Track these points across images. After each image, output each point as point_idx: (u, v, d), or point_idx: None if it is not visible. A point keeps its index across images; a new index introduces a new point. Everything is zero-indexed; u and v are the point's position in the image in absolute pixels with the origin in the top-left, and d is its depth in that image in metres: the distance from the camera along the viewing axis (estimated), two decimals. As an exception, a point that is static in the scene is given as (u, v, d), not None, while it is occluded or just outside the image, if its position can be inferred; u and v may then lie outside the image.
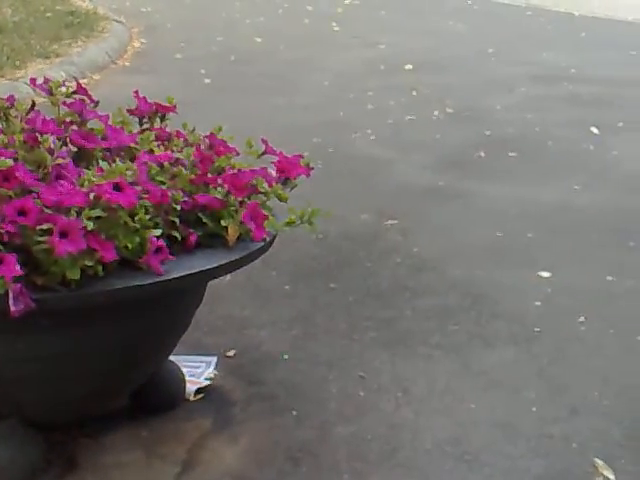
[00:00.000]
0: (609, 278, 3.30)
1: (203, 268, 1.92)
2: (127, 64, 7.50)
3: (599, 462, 2.21)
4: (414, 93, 6.47)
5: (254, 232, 2.03)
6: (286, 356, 2.77)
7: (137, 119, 2.35)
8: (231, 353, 2.76)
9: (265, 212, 2.11)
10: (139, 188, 1.81)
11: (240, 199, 2.08)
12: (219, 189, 2.06)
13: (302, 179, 2.42)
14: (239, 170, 2.18)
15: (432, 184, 4.44)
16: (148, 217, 1.83)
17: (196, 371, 2.60)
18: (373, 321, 2.99)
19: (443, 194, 4.30)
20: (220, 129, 2.41)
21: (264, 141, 2.39)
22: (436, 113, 5.88)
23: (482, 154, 4.92)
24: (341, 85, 6.78)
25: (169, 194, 1.90)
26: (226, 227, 2.03)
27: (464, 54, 8.03)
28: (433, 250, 3.59)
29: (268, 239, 2.11)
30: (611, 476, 2.16)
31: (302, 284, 3.29)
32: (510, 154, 4.91)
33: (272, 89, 6.64)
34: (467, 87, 6.71)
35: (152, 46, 8.25)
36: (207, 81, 6.88)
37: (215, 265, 1.94)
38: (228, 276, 3.30)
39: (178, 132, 2.31)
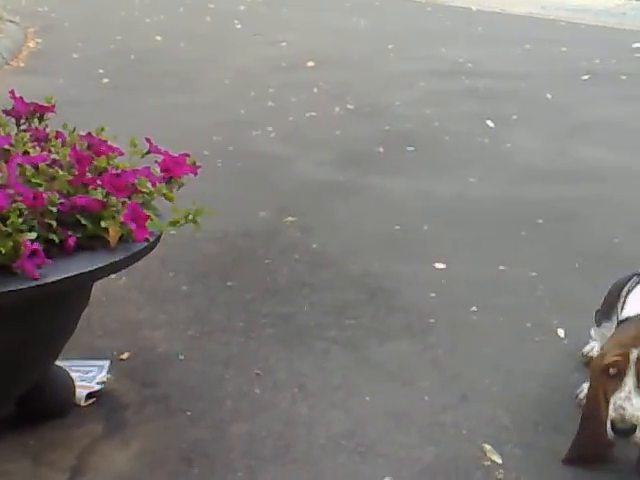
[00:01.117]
0: (501, 268, 3.35)
1: (82, 271, 1.88)
2: (22, 65, 7.34)
3: (487, 447, 2.25)
4: (315, 90, 6.50)
5: (135, 232, 2.00)
6: (182, 356, 2.74)
7: (14, 120, 2.29)
8: (125, 355, 2.73)
9: (148, 212, 2.08)
10: (11, 191, 1.77)
11: (122, 199, 2.05)
12: (99, 190, 2.03)
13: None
14: (122, 170, 2.15)
15: (332, 180, 4.46)
16: (22, 220, 1.79)
17: (87, 375, 2.55)
18: (270, 318, 2.99)
19: (343, 190, 4.32)
20: (103, 129, 2.37)
21: (148, 140, 2.36)
22: (337, 109, 5.91)
23: (381, 149, 4.96)
24: (242, 83, 6.77)
25: (44, 196, 1.86)
26: (107, 228, 2.00)
27: (365, 50, 8.09)
28: (332, 246, 3.61)
29: (152, 239, 2.09)
30: (499, 460, 2.20)
31: (200, 283, 3.27)
32: (408, 148, 4.96)
33: (172, 88, 6.59)
34: (368, 83, 6.76)
35: (48, 46, 8.10)
36: (105, 81, 6.79)
37: (95, 267, 1.91)
38: (123, 278, 3.28)
39: (58, 132, 2.27)
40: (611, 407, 2.08)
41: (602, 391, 2.14)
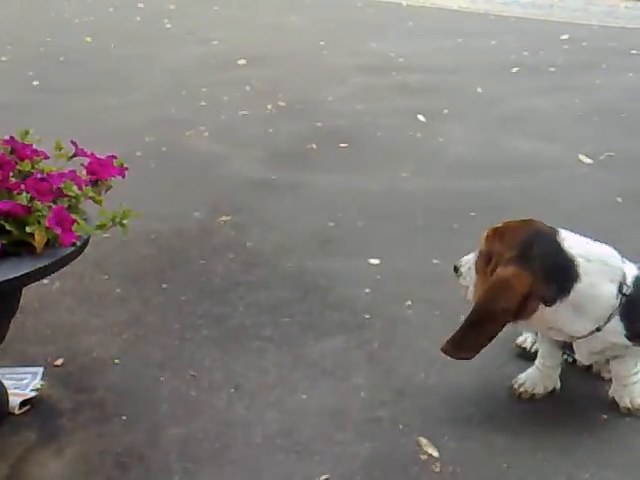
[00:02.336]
0: (435, 261, 3.38)
1: (8, 277, 1.85)
2: (-51, 70, 7.22)
3: (423, 441, 2.27)
4: (247, 88, 6.48)
5: (61, 237, 1.97)
6: (117, 361, 2.72)
7: None
8: (59, 361, 2.69)
9: (75, 216, 2.06)
10: None
11: (47, 204, 2.02)
12: (24, 194, 2.00)
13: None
14: (47, 174, 2.13)
15: (265, 178, 4.45)
16: (-57, 228, 1.76)
17: (21, 383, 2.52)
18: (206, 319, 2.98)
19: (276, 188, 4.31)
20: (28, 132, 2.34)
21: (74, 143, 2.34)
22: (269, 107, 5.91)
23: (314, 146, 4.97)
24: (174, 82, 6.73)
25: (-33, 203, 1.83)
26: (32, 234, 1.97)
27: (297, 47, 8.09)
28: (266, 244, 3.60)
29: (79, 243, 2.06)
30: (435, 453, 2.22)
31: (134, 286, 3.24)
32: (341, 145, 4.97)
33: (103, 89, 6.53)
34: (300, 80, 6.76)
35: (-24, 50, 7.97)
36: (35, 83, 6.72)
37: (21, 274, 1.88)
38: (57, 282, 3.25)
39: (-20, 138, 2.23)
40: None
41: None
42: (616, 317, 2.25)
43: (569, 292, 2.21)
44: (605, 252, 2.31)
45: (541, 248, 2.23)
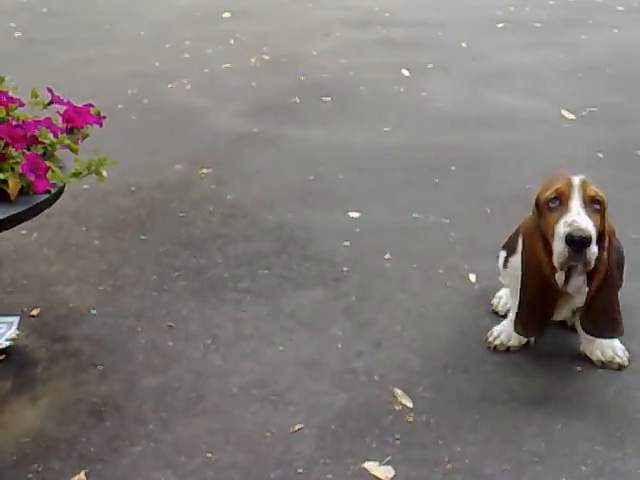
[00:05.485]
0: (414, 215, 3.38)
1: (-20, 224, 1.84)
2: None
3: (398, 391, 2.28)
4: (232, 41, 6.43)
5: (35, 184, 1.96)
6: (94, 311, 2.71)
7: None
8: (35, 312, 2.69)
9: (49, 163, 2.04)
10: None
11: (22, 151, 2.00)
12: (-3, 141, 1.98)
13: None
14: (22, 121, 2.11)
15: (247, 131, 4.42)
16: None
17: (-4, 332, 2.52)
18: (184, 270, 2.97)
19: (257, 141, 4.29)
20: (2, 79, 2.32)
21: (50, 90, 2.31)
22: (253, 60, 5.86)
23: (297, 100, 4.94)
24: (157, 35, 6.66)
25: (-63, 149, 1.80)
26: (6, 180, 1.95)
27: (282, 0, 8.01)
28: (246, 197, 3.59)
29: (53, 191, 2.04)
30: (409, 404, 2.23)
31: (112, 238, 3.23)
32: (324, 99, 4.94)
33: (86, 40, 6.47)
34: (284, 34, 6.71)
35: (-44, 0, 7.87)
36: (17, 34, 6.64)
37: (-7, 220, 1.87)
38: (35, 234, 3.23)
39: (-46, 85, 2.20)
40: (561, 227, 2.11)
41: (539, 240, 2.22)
42: None
43: None
44: None
45: None
